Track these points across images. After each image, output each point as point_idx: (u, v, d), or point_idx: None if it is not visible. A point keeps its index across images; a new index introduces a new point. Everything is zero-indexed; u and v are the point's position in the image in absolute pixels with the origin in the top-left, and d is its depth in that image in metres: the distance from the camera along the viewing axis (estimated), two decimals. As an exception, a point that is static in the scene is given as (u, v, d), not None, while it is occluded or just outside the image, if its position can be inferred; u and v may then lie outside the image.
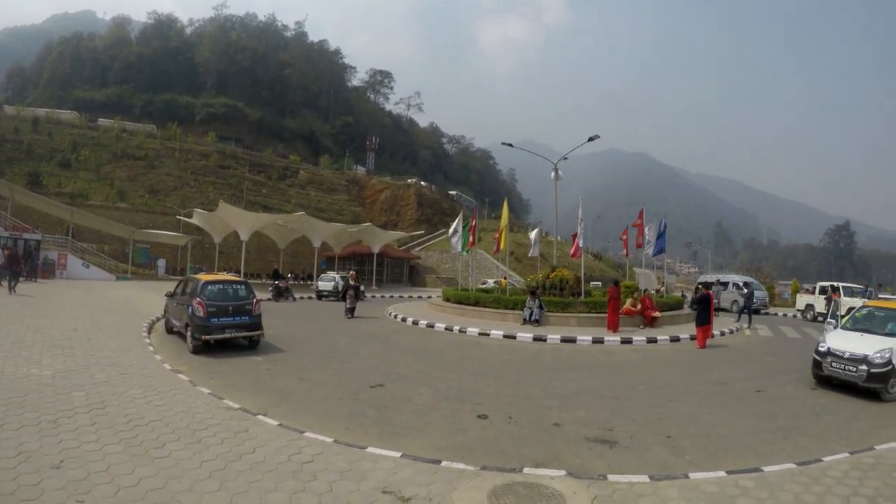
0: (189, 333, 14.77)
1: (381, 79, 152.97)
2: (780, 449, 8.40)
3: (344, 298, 25.35)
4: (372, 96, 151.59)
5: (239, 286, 16.10)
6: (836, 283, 31.57)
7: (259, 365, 13.60)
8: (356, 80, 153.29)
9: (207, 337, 14.49)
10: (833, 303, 26.61)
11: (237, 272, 39.26)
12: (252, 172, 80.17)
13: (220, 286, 15.65)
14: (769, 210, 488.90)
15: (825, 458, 7.70)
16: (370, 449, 7.48)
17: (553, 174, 29.95)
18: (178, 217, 55.78)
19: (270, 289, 34.01)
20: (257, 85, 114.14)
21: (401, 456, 7.29)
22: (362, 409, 9.82)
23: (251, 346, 15.72)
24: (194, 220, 48.79)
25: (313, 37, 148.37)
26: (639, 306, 22.52)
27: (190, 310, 14.73)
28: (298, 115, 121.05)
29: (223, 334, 14.78)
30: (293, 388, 11.30)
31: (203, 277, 16.15)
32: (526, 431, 8.91)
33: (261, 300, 16.84)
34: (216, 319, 14.74)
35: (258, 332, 15.65)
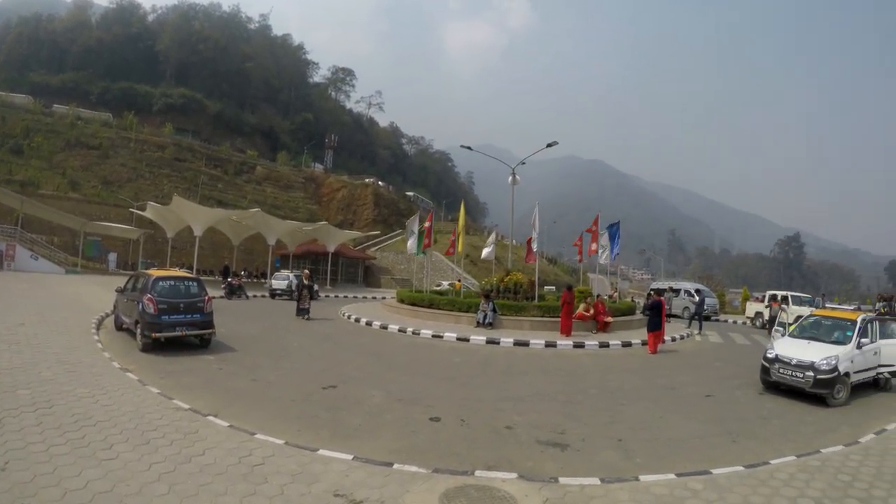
0: (139, 331, 14.41)
1: (343, 76, 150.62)
2: (729, 452, 8.54)
3: (297, 298, 24.63)
4: (333, 94, 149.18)
5: (191, 283, 15.81)
6: (784, 292, 32.33)
7: (210, 364, 13.35)
8: (318, 77, 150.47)
9: (158, 335, 14.13)
10: (772, 310, 27.60)
11: (189, 268, 38.53)
12: (209, 166, 78.55)
13: (172, 282, 15.33)
14: (722, 219, 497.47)
15: (773, 461, 7.86)
16: (322, 451, 7.42)
17: (511, 178, 30.05)
18: (131, 210, 54.35)
19: (223, 286, 33.51)
20: (217, 77, 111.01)
21: (353, 458, 7.24)
22: (314, 411, 9.72)
23: (202, 344, 15.41)
24: (148, 214, 47.60)
25: (277, 30, 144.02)
26: (591, 311, 22.71)
27: (140, 306, 14.34)
28: (258, 109, 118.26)
29: (174, 332, 14.45)
30: (245, 388, 11.13)
31: (154, 273, 15.71)
32: (478, 434, 8.90)
33: (213, 298, 16.57)
34: (167, 317, 14.40)
35: (210, 331, 15.36)
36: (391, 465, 7.11)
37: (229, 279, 34.05)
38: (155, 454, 6.89)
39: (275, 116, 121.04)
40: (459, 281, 36.91)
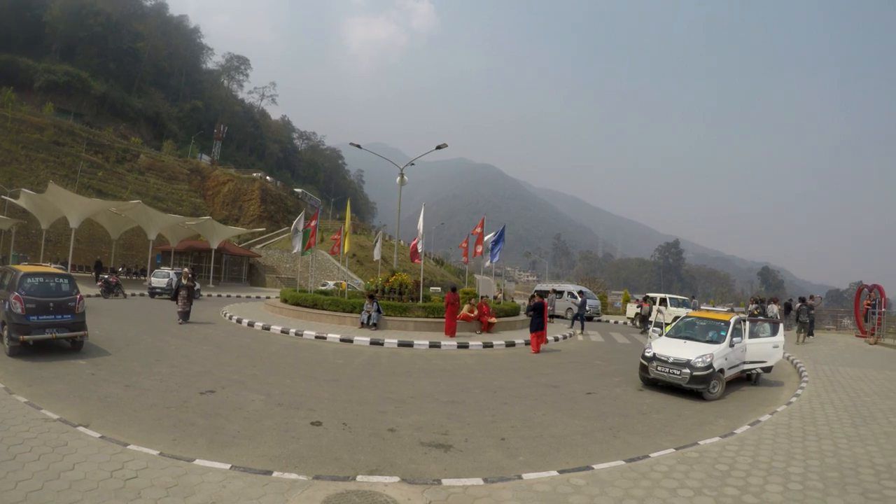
0: (5, 333, 13.34)
1: (237, 64, 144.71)
2: (611, 447, 8.71)
3: (175, 299, 23.20)
4: (226, 82, 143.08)
5: (62, 280, 14.60)
6: (662, 295, 33.60)
7: (82, 369, 12.46)
8: (212, 63, 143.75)
9: (26, 337, 13.13)
10: (643, 309, 29.09)
11: (64, 264, 36.35)
12: (89, 152, 72.46)
13: (41, 279, 14.13)
14: (605, 226, 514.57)
15: (653, 454, 8.08)
16: (198, 461, 7.08)
17: (398, 179, 29.94)
18: (2, 197, 50.04)
19: (99, 284, 31.77)
20: (106, 55, 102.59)
21: (230, 468, 6.95)
22: (191, 418, 9.21)
23: (74, 347, 14.45)
24: (21, 202, 44.24)
25: (174, 10, 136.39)
26: (476, 312, 22.86)
27: (7, 306, 13.28)
28: (146, 93, 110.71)
29: (43, 334, 13.45)
30: (118, 395, 10.41)
31: (23, 268, 14.56)
32: (360, 438, 8.69)
33: (85, 297, 15.55)
34: (36, 317, 13.38)
35: (82, 333, 14.34)
36: (270, 473, 6.87)
37: (105, 276, 32.29)
38: (21, 471, 6.39)
39: (163, 102, 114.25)
40: (345, 281, 36.46)
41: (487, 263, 28.61)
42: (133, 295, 34.10)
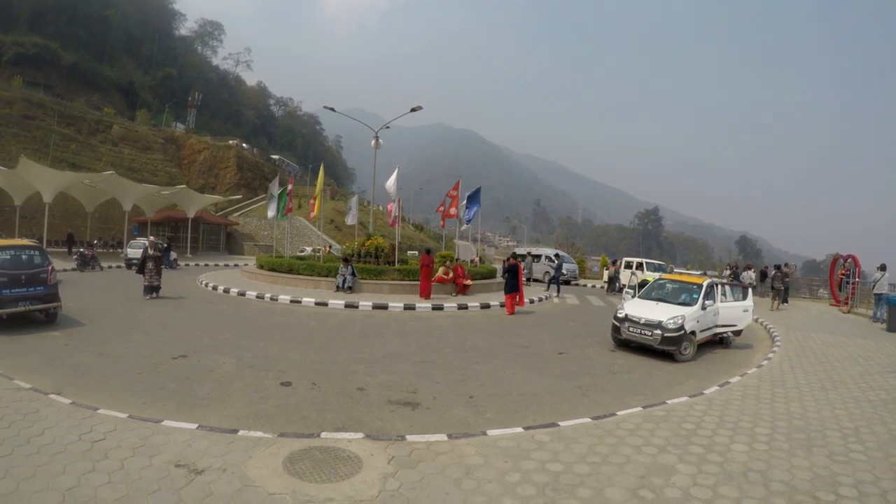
0: (-22, 308, 13.08)
1: (210, 30, 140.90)
2: (579, 405, 8.72)
3: (142, 271, 20.24)
4: (199, 48, 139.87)
5: (33, 252, 14.25)
6: (640, 259, 33.92)
7: (56, 340, 12.24)
8: (184, 30, 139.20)
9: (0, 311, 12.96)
10: (610, 272, 29.62)
11: (39, 239, 35.71)
12: (61, 125, 70.41)
13: (12, 252, 13.80)
14: (586, 192, 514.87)
15: (619, 413, 8.06)
16: (165, 422, 7.04)
17: (373, 142, 29.63)
18: None
19: (75, 257, 31.29)
20: (75, 24, 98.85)
21: (197, 428, 6.92)
22: (161, 382, 9.13)
23: (48, 319, 14.16)
24: None
25: None
26: (451, 274, 22.80)
27: None
28: (118, 62, 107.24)
29: (16, 307, 13.17)
30: (91, 363, 10.26)
31: None
32: (329, 397, 8.66)
33: (61, 270, 15.24)
34: (8, 291, 13.08)
35: (55, 304, 14.05)
36: (236, 431, 6.82)
37: (81, 249, 31.80)
38: (-10, 439, 6.29)
39: (136, 71, 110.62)
40: (329, 247, 36.25)
41: (463, 227, 28.54)
42: (110, 267, 33.57)
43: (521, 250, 42.60)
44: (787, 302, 26.23)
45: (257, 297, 20.62)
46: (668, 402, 8.77)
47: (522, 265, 23.38)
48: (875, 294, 21.41)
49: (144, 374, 9.65)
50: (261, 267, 26.92)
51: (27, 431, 6.53)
